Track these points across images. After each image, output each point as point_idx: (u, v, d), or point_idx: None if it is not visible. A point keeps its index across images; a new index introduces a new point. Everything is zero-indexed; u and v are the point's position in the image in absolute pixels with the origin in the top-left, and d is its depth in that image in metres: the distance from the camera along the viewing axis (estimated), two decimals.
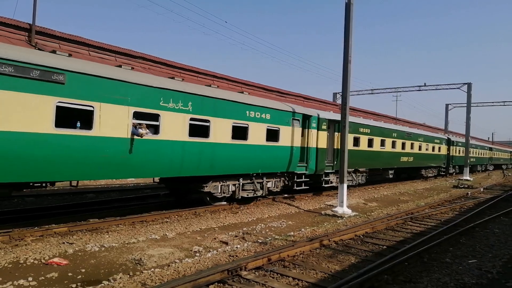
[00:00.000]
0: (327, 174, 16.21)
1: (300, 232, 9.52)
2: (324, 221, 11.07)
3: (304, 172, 14.65)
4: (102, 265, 6.45)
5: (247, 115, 12.17)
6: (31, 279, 5.59)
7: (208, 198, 11.82)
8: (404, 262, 6.96)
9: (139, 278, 5.79)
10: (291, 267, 6.59)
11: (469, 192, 20.05)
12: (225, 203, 12.41)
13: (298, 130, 14.29)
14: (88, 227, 8.63)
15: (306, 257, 7.22)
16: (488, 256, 7.94)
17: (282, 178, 13.97)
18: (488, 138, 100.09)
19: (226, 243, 8.05)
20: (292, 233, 9.33)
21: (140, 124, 8.87)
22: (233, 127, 11.58)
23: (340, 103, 13.65)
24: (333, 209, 12.55)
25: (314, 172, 15.18)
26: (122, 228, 8.92)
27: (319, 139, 15.35)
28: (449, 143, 33.42)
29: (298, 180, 14.41)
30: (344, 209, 12.35)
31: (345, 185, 12.65)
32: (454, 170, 35.22)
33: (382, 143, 21.16)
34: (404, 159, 24.11)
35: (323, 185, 16.15)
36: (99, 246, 7.41)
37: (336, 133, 16.34)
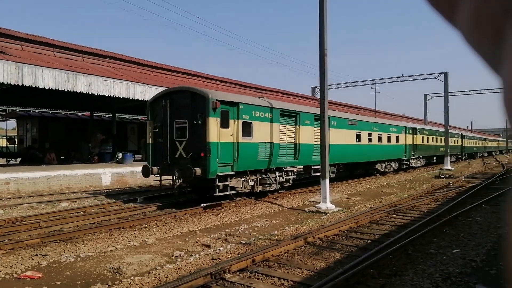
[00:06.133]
0: (410, 159, 28.40)
1: (284, 230, 9.37)
2: (308, 218, 10.95)
3: (405, 158, 27.00)
4: (79, 276, 6.17)
5: (390, 130, 24.62)
6: None
7: (375, 172, 23.57)
8: (389, 255, 6.90)
9: None
10: (276, 267, 6.45)
11: (450, 182, 20.29)
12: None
13: (403, 135, 26.61)
14: (62, 237, 8.28)
15: (291, 256, 7.09)
16: (472, 244, 7.97)
17: (397, 162, 26.38)
18: (467, 126, 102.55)
19: (209, 246, 7.83)
20: (276, 232, 9.18)
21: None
22: (388, 137, 24.00)
23: (319, 97, 13.57)
24: (316, 205, 12.45)
25: (408, 158, 27.42)
26: (98, 237, 8.60)
27: (408, 139, 27.48)
28: (462, 137, 46.05)
29: (403, 163, 27.01)
30: (327, 205, 12.26)
31: (327, 180, 12.56)
32: (465, 157, 48.61)
33: (432, 140, 33.67)
34: (441, 149, 35.22)
35: (410, 166, 28.53)
36: (74, 256, 7.09)
37: (414, 135, 28.91)
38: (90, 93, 17.03)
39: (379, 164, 23.68)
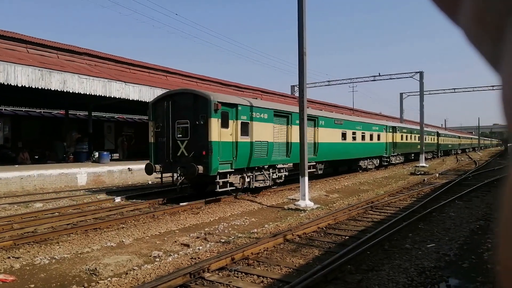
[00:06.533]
0: (390, 157, 29.91)
1: (264, 228, 9.40)
2: (287, 216, 11.03)
3: (385, 155, 28.44)
4: (54, 278, 6.02)
5: (372, 128, 26.04)
6: None
7: (358, 168, 24.52)
8: (366, 251, 7.02)
9: None
10: (255, 265, 6.46)
11: (425, 179, 20.76)
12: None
13: (383, 133, 28.11)
14: (36, 239, 8.06)
15: (270, 254, 7.12)
16: (445, 239, 8.19)
17: (378, 159, 27.49)
18: (441, 124, 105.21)
19: (188, 246, 7.78)
20: (255, 230, 9.20)
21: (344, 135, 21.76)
22: (370, 135, 25.45)
23: (298, 95, 13.66)
24: (295, 203, 12.54)
25: (388, 155, 28.98)
26: (74, 238, 8.41)
27: (388, 137, 29.10)
28: (438, 135, 48.01)
29: (383, 160, 28.44)
30: (306, 202, 12.37)
31: (306, 178, 12.66)
32: (441, 154, 49.85)
33: (410, 138, 35.55)
34: (419, 147, 36.00)
35: (390, 162, 30.10)
36: (49, 258, 6.93)
37: (394, 133, 30.44)
38: (65, 90, 16.59)
39: (362, 161, 24.84)
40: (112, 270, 6.26)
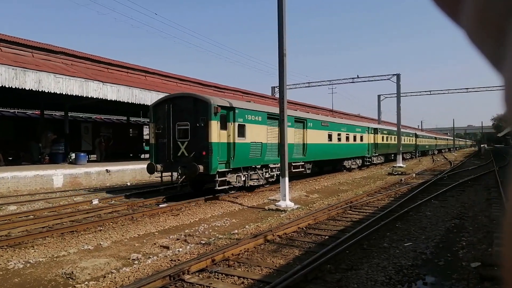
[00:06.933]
0: (372, 157, 31.10)
1: (244, 229, 9.39)
2: (268, 216, 11.05)
3: (367, 156, 29.59)
4: (28, 283, 5.86)
5: (355, 130, 27.14)
6: None
7: (343, 168, 25.60)
8: (346, 250, 7.10)
9: None
10: (236, 266, 6.45)
11: (402, 179, 21.16)
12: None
13: (366, 135, 29.20)
14: (10, 243, 7.82)
15: (250, 254, 7.11)
16: (422, 238, 8.36)
17: (361, 159, 28.61)
18: (418, 125, 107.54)
19: (167, 248, 7.70)
20: (236, 231, 9.18)
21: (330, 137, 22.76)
22: (354, 136, 26.47)
23: (278, 97, 13.73)
24: (276, 203, 12.58)
25: (370, 156, 30.21)
26: (49, 241, 8.19)
27: (370, 138, 30.20)
28: (416, 136, 50.35)
29: (366, 160, 29.60)
30: (287, 203, 12.42)
31: (286, 179, 12.71)
32: (419, 154, 52.17)
33: (390, 139, 36.17)
34: (394, 148, 37.29)
35: (372, 162, 31.21)
36: (23, 262, 6.73)
37: (375, 135, 31.52)
38: (40, 90, 16.18)
39: (346, 161, 25.97)
40: (89, 274, 6.15)
